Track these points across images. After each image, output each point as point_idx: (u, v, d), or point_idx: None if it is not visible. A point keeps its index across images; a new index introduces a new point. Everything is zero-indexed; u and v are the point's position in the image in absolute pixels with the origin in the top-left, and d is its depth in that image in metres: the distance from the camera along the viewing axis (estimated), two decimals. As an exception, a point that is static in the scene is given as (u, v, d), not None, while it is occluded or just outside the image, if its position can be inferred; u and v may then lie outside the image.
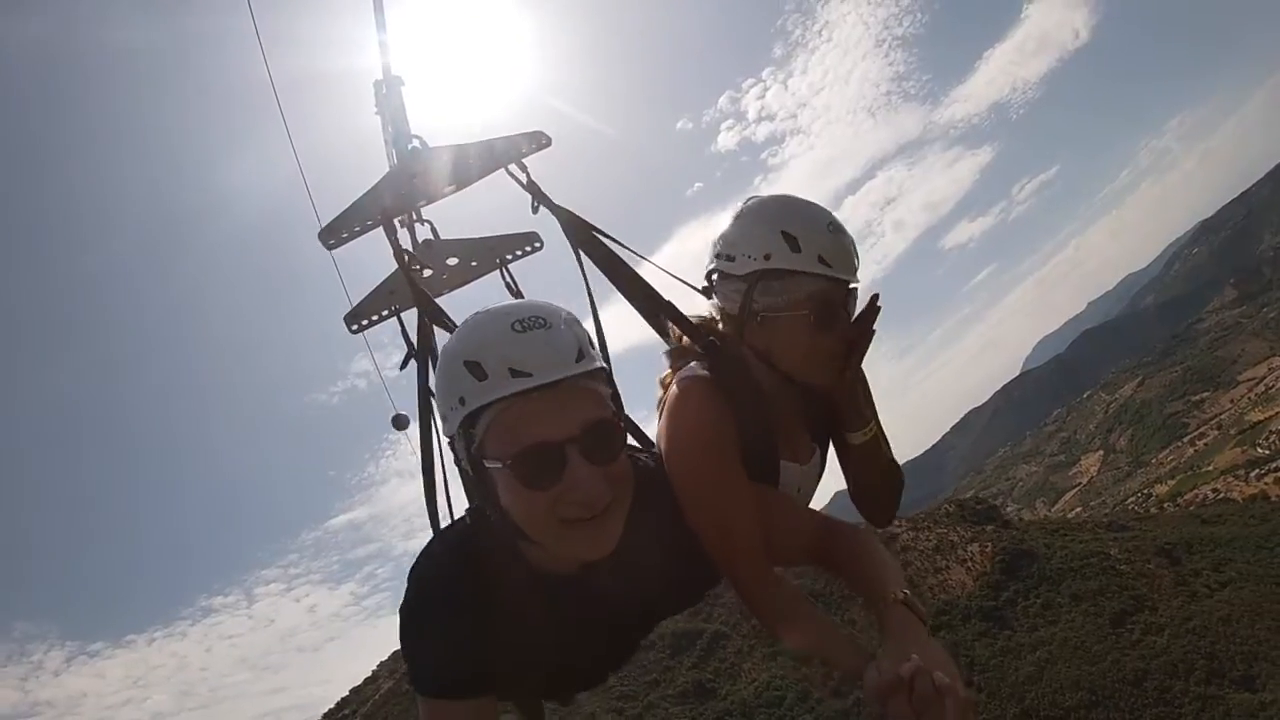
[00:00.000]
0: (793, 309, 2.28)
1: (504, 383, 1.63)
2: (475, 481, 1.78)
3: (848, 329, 2.33)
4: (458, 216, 3.84)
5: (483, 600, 1.87)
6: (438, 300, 3.39)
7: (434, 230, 3.77)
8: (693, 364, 2.36)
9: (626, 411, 2.17)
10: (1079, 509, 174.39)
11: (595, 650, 2.18)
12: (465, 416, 1.69)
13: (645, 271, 2.89)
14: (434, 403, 2.42)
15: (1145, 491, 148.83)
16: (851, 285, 2.34)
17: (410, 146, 3.47)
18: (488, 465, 1.70)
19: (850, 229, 2.36)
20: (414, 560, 1.96)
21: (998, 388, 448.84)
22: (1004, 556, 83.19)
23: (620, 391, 2.00)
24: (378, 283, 3.80)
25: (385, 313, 3.73)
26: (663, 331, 2.66)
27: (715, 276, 2.44)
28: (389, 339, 3.77)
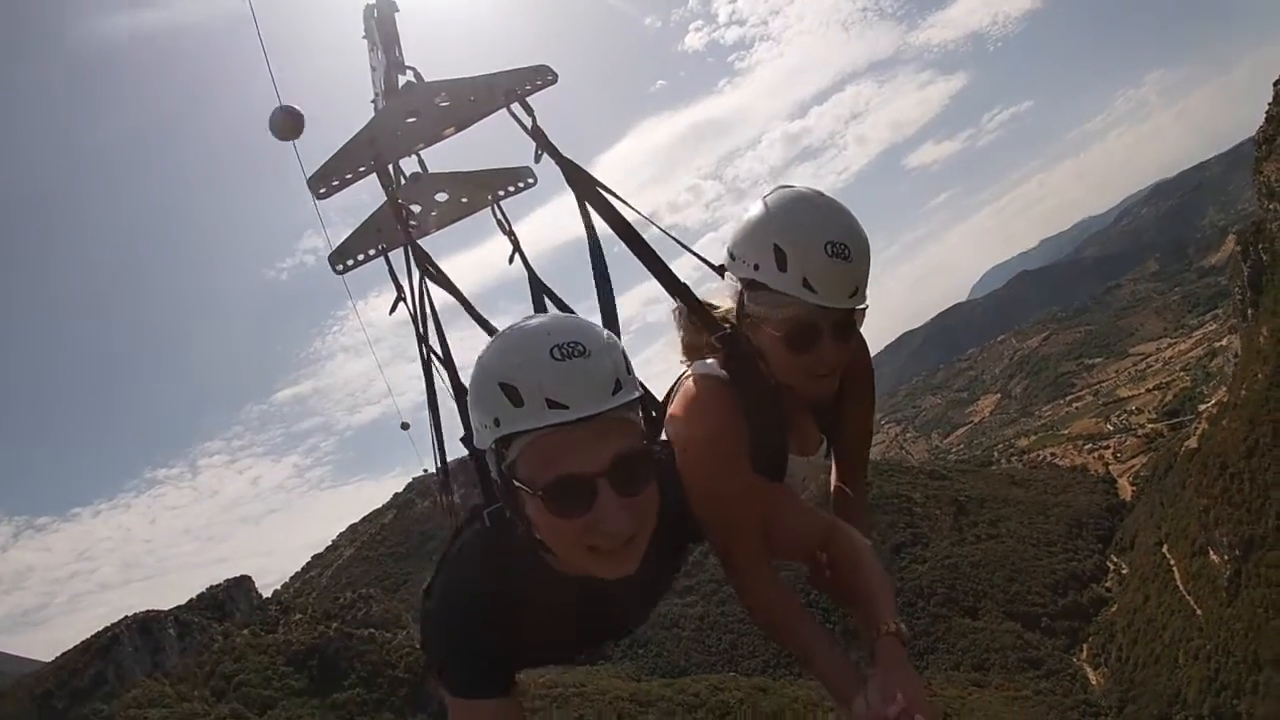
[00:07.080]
0: (770, 326, 2.27)
1: (540, 413, 1.64)
2: (506, 495, 1.80)
3: (831, 351, 2.27)
4: (442, 147, 3.37)
5: (508, 605, 1.93)
6: (430, 236, 3.34)
7: (422, 163, 3.52)
8: (710, 361, 2.36)
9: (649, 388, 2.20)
10: (962, 446, 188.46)
11: (606, 631, 2.30)
12: (499, 437, 1.72)
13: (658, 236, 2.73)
14: (439, 375, 2.96)
15: (1010, 442, 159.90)
16: (860, 307, 2.29)
17: (403, 80, 3.21)
18: (518, 486, 1.73)
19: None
20: (437, 567, 2.08)
21: (939, 312, 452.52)
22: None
23: (652, 404, 2.06)
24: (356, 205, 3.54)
25: (372, 252, 3.54)
26: (673, 294, 2.51)
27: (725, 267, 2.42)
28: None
